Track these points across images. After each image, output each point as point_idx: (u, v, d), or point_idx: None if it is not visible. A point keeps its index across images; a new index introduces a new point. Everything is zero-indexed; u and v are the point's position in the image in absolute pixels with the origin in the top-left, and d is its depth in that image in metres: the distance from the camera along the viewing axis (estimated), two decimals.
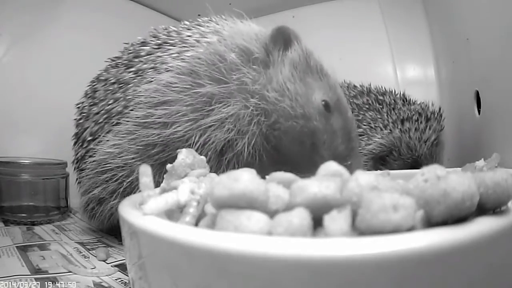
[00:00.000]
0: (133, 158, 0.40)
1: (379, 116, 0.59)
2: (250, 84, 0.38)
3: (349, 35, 0.79)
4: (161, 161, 0.38)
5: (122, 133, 0.41)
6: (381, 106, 0.59)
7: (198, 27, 0.44)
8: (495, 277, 0.16)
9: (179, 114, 0.38)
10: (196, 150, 0.37)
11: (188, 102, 0.38)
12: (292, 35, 0.41)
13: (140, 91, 0.40)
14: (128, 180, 0.40)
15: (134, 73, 0.43)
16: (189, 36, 0.43)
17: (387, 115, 0.58)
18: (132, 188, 0.40)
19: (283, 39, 0.40)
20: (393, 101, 0.60)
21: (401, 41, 0.75)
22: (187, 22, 0.46)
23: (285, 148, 0.39)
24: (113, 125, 0.42)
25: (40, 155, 0.62)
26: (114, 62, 0.47)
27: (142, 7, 0.84)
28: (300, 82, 0.39)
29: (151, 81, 0.40)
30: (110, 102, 0.43)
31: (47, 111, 0.66)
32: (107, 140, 0.42)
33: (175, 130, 0.38)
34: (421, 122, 0.57)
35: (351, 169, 0.38)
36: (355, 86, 0.65)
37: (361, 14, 0.80)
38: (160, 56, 0.42)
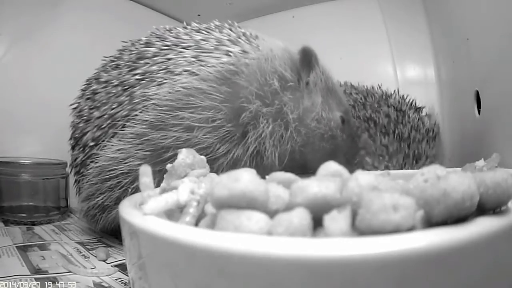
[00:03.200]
0: (139, 165, 0.38)
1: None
2: (289, 113, 0.40)
3: (349, 35, 0.79)
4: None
5: (128, 137, 0.39)
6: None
7: (211, 31, 0.44)
8: (495, 277, 0.16)
9: (215, 122, 0.38)
10: (215, 159, 0.38)
11: (224, 112, 0.38)
12: (313, 58, 0.43)
13: (153, 94, 0.39)
14: (132, 187, 0.39)
15: (141, 75, 0.41)
16: (202, 40, 0.42)
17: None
18: (131, 192, 0.38)
19: (308, 61, 0.43)
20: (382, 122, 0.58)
21: (401, 41, 0.75)
22: (195, 24, 0.46)
23: (306, 158, 0.43)
24: (117, 129, 0.41)
25: (40, 155, 0.62)
26: (114, 63, 0.46)
27: (142, 7, 0.84)
28: (327, 107, 0.43)
29: (163, 83, 0.39)
30: (114, 106, 0.42)
31: (47, 111, 0.66)
32: (112, 145, 0.40)
33: (202, 135, 0.37)
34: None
35: (359, 163, 0.42)
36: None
37: (361, 14, 0.79)
38: (172, 59, 0.41)
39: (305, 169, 0.42)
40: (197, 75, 0.39)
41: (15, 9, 0.66)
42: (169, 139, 0.38)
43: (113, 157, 0.40)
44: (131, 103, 0.41)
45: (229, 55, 0.40)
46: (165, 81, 0.40)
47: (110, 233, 0.49)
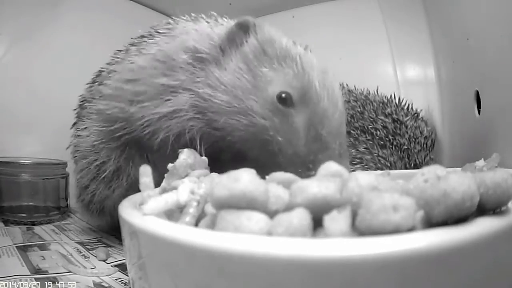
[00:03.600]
0: (95, 141, 0.41)
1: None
2: (190, 82, 0.36)
3: (349, 35, 0.79)
4: (124, 142, 0.39)
5: (91, 112, 0.42)
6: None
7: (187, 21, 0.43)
8: (495, 277, 0.16)
9: (144, 96, 0.38)
10: (156, 138, 0.38)
11: (151, 87, 0.38)
12: (250, 26, 0.36)
13: (115, 69, 0.41)
14: (96, 164, 0.41)
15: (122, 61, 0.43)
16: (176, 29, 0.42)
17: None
18: (100, 171, 0.41)
19: (241, 33, 0.37)
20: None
21: (401, 41, 0.75)
22: (183, 17, 0.45)
23: (239, 150, 0.36)
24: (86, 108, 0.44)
25: (40, 155, 0.62)
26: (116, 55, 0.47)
27: (142, 7, 0.84)
28: (248, 74, 0.34)
29: (129, 62, 0.40)
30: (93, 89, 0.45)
31: (47, 111, 0.66)
32: (82, 123, 0.43)
33: (137, 109, 0.38)
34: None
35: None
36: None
37: (361, 14, 0.79)
38: (146, 42, 0.42)
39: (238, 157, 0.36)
40: (148, 55, 0.39)
41: (15, 9, 0.66)
42: (114, 109, 0.39)
43: (79, 135, 0.43)
44: (100, 79, 0.43)
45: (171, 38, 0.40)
46: (129, 58, 0.41)
47: (108, 230, 0.49)
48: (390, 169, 0.54)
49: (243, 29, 0.37)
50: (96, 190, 0.42)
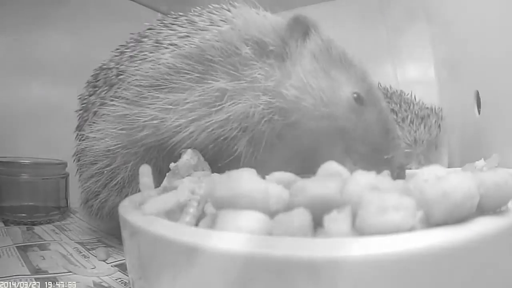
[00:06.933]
0: (114, 145, 0.37)
1: None
2: (263, 81, 0.34)
3: (349, 35, 0.79)
4: (146, 148, 0.36)
5: (107, 115, 0.38)
6: None
7: (209, 14, 0.41)
8: (495, 277, 0.16)
9: (188, 104, 0.34)
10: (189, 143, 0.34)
11: (198, 93, 0.34)
12: (310, 24, 0.37)
13: (135, 70, 0.37)
14: (109, 169, 0.38)
15: (133, 55, 0.40)
16: (200, 21, 0.40)
17: None
18: (113, 176, 0.38)
19: (301, 28, 0.37)
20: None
21: (401, 41, 0.75)
22: (198, 8, 0.43)
23: (309, 147, 0.36)
24: (99, 108, 0.40)
25: (40, 155, 0.62)
26: (118, 51, 0.45)
27: (142, 7, 0.84)
28: (324, 75, 0.35)
29: (147, 58, 0.37)
30: (105, 88, 0.41)
31: (47, 111, 0.66)
32: (95, 124, 0.40)
33: (176, 119, 0.35)
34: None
35: (393, 162, 0.33)
36: None
37: (361, 14, 0.79)
38: (163, 32, 0.39)
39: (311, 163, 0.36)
40: (178, 53, 0.36)
41: (15, 9, 0.66)
42: (146, 117, 0.35)
43: (93, 137, 0.39)
44: (117, 78, 0.40)
45: (213, 32, 0.37)
46: (151, 54, 0.38)
47: (108, 230, 0.48)
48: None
49: (303, 25, 0.37)
50: (108, 197, 0.40)
